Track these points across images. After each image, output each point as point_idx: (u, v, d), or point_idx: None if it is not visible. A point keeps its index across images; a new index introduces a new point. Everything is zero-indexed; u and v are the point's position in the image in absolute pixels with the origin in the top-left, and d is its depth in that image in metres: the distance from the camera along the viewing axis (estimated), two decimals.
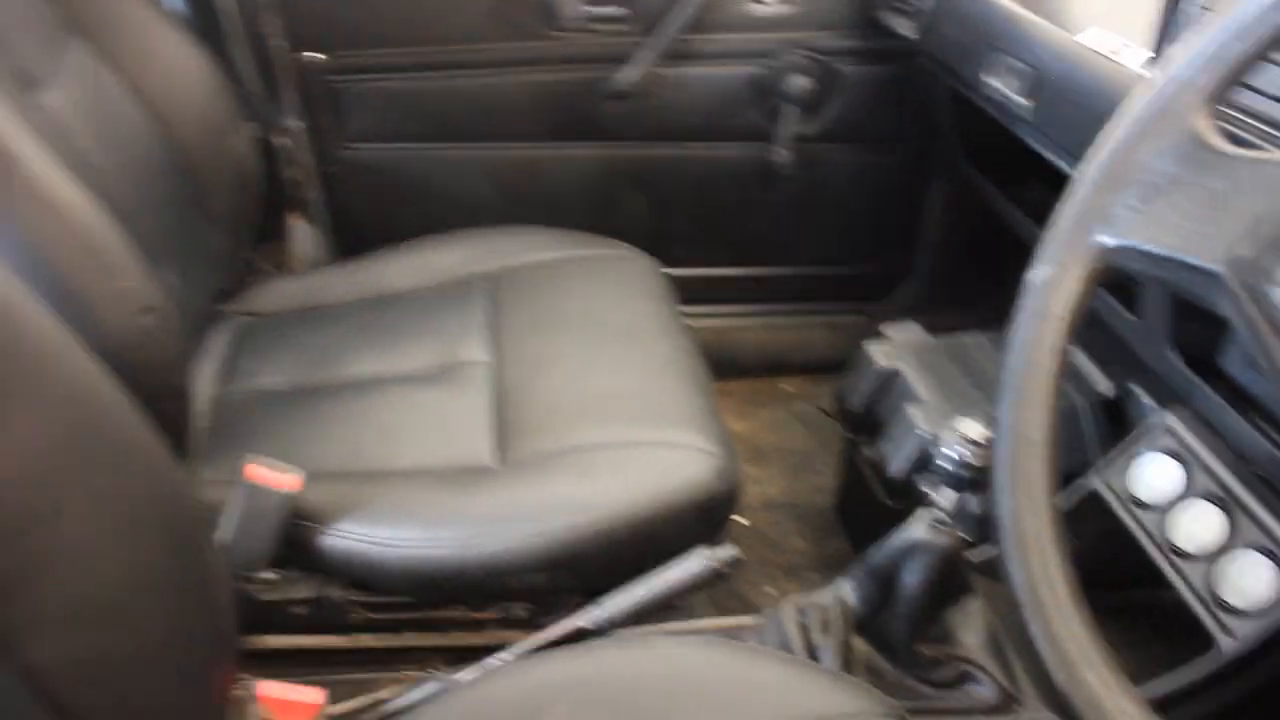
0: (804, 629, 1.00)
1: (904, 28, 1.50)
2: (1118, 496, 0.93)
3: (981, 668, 1.01)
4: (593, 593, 1.00)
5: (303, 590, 1.10)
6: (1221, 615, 0.79)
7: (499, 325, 1.34)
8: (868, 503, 1.34)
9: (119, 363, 0.71)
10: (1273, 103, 0.84)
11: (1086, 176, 0.64)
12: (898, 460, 1.26)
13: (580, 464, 1.10)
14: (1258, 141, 0.83)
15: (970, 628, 1.02)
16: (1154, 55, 1.01)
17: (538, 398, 1.20)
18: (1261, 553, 0.79)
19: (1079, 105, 1.07)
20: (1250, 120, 0.85)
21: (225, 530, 1.00)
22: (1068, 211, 0.64)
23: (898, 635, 0.99)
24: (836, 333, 1.85)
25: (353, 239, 1.75)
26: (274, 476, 1.03)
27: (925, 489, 0.95)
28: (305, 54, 1.61)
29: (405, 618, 1.13)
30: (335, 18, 1.60)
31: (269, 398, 1.28)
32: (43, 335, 0.64)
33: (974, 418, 0.89)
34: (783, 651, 0.96)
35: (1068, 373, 1.15)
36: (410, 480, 1.11)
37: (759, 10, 1.61)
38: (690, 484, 1.07)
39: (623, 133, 1.71)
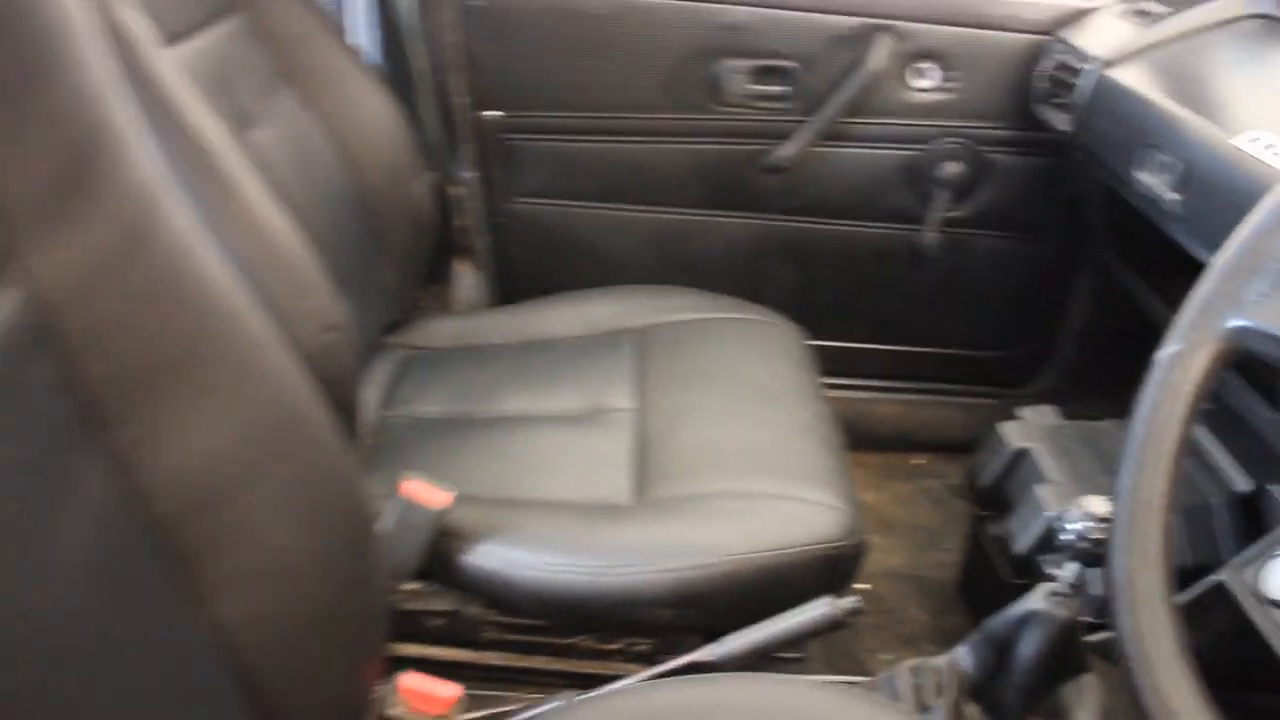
0: (917, 689, 1.02)
1: (1059, 121, 1.54)
2: (1249, 594, 0.93)
3: None
4: (715, 634, 1.04)
5: (441, 603, 1.16)
6: None
7: (644, 376, 1.40)
8: (991, 579, 1.35)
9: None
10: None
11: (1220, 262, 0.67)
12: (1023, 538, 1.27)
13: (712, 509, 1.15)
14: None
15: (1084, 706, 1.02)
16: None
17: (676, 445, 1.26)
18: None
19: (1227, 202, 1.08)
20: None
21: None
22: (1199, 294, 0.68)
23: (1010, 704, 1.00)
24: (972, 414, 1.87)
25: (512, 286, 1.86)
26: (427, 493, 1.10)
27: (1049, 566, 0.97)
28: (485, 112, 1.73)
29: (534, 640, 1.18)
30: (515, 81, 1.71)
31: (424, 424, 1.37)
32: (253, 334, 0.72)
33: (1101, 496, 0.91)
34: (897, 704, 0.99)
35: (1203, 467, 1.16)
36: (551, 510, 1.17)
37: (917, 97, 1.66)
38: (816, 537, 1.11)
39: (776, 205, 1.77)
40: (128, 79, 0.64)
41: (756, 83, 1.68)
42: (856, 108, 1.66)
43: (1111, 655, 1.01)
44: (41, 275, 0.56)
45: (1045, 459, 1.31)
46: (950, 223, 1.73)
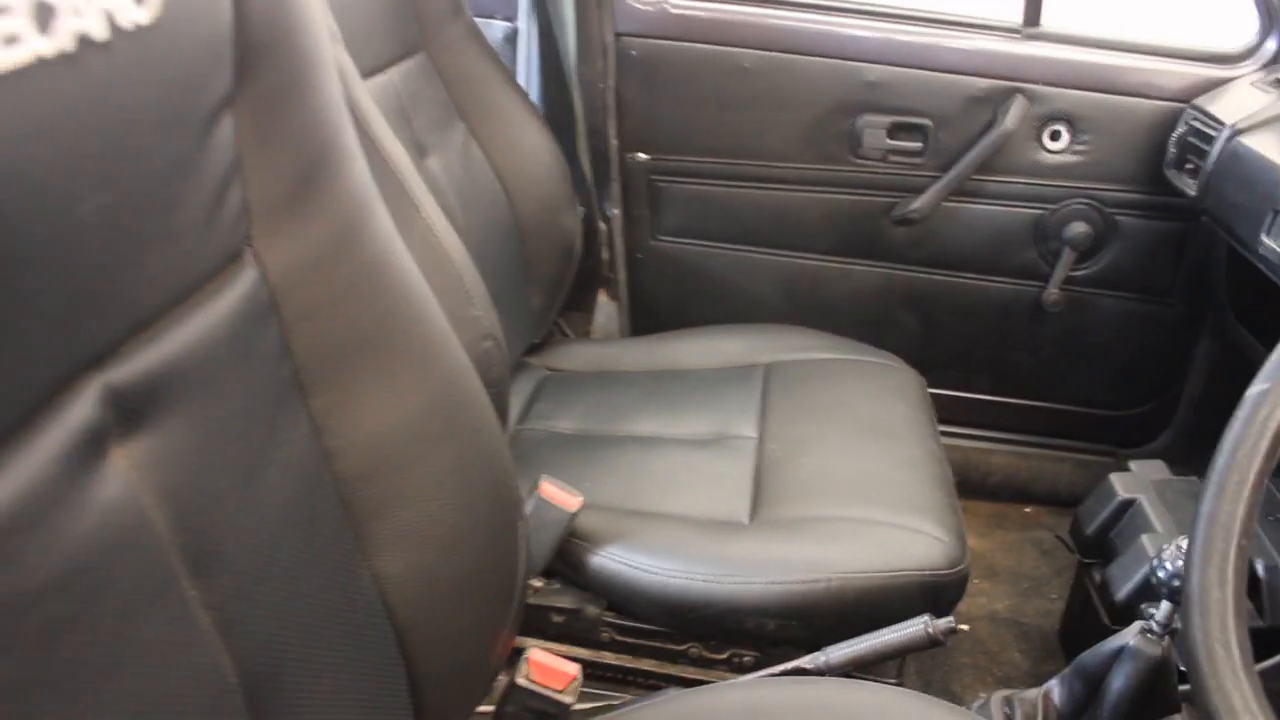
0: (1008, 719, 1.07)
1: (1188, 186, 1.57)
2: None
3: None
4: (814, 649, 1.11)
5: (565, 601, 1.25)
6: None
7: (767, 408, 1.48)
8: (1092, 626, 1.38)
9: None
10: None
11: None
12: (1125, 585, 1.30)
13: (821, 531, 1.22)
14: None
15: None
16: None
17: (793, 472, 1.33)
18: None
19: None
20: None
21: None
22: None
23: None
24: (1085, 470, 1.89)
25: (647, 318, 1.97)
26: (561, 495, 1.20)
27: (1148, 611, 1.01)
28: (633, 154, 1.85)
29: (647, 644, 1.26)
30: (663, 126, 1.83)
31: (559, 439, 1.48)
32: (434, 327, 0.83)
33: None
34: None
35: None
36: (672, 523, 1.25)
37: (1048, 158, 1.72)
38: (919, 564, 1.17)
39: (904, 256, 1.84)
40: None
41: (893, 138, 1.75)
42: (988, 165, 1.72)
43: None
44: (269, 261, 0.68)
45: (1151, 510, 1.34)
46: (1074, 281, 1.76)
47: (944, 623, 1.04)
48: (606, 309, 1.94)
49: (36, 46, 0.45)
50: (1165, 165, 1.66)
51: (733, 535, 1.23)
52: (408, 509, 0.79)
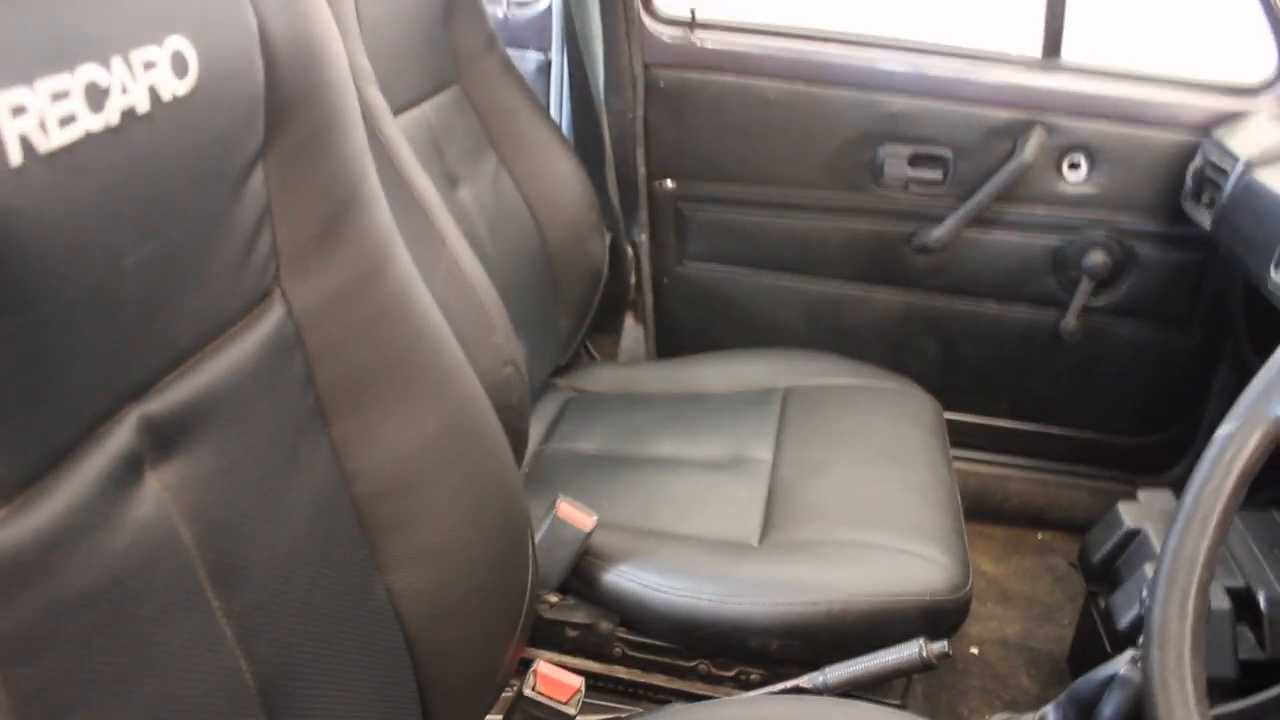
0: None
1: (1204, 218, 1.59)
2: None
3: None
4: (816, 668, 1.15)
5: (578, 616, 1.29)
6: None
7: (783, 431, 1.52)
8: (1098, 654, 1.40)
9: None
10: None
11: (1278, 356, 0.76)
12: (1128, 614, 1.33)
13: (827, 554, 1.26)
14: None
15: None
16: None
17: (803, 496, 1.37)
18: None
19: None
20: None
21: None
22: (1257, 383, 0.77)
23: None
24: (1102, 497, 1.90)
25: (673, 341, 2.02)
26: (577, 515, 1.25)
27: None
28: (660, 181, 1.90)
29: (657, 659, 1.31)
30: (689, 154, 1.88)
31: (580, 459, 1.53)
32: (449, 359, 0.89)
33: None
34: None
35: None
36: (684, 543, 1.30)
37: (1067, 188, 1.74)
38: (920, 588, 1.20)
39: (924, 283, 1.88)
40: (371, 146, 0.82)
41: (914, 167, 1.79)
42: (1007, 195, 1.75)
43: None
44: (295, 298, 0.74)
45: (1156, 540, 1.37)
46: (1092, 310, 1.79)
47: (938, 646, 1.08)
48: (633, 332, 2.00)
49: (87, 124, 0.51)
50: (1182, 197, 1.68)
51: (741, 557, 1.27)
52: (421, 528, 0.84)
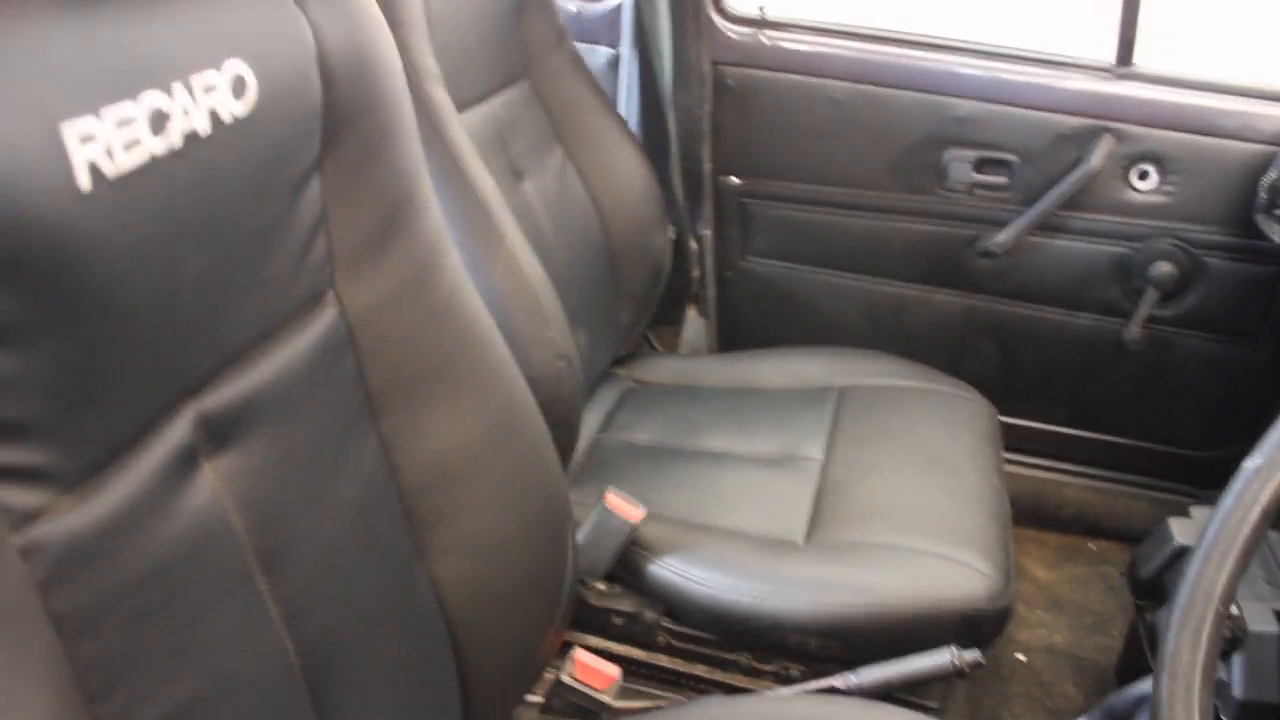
0: None
1: (1275, 232, 1.56)
2: None
3: None
4: (853, 666, 1.18)
5: (624, 604, 1.34)
6: None
7: (836, 431, 1.54)
8: (1144, 668, 1.40)
9: (535, 392, 0.98)
10: None
11: None
12: None
13: (869, 557, 1.28)
14: None
15: None
16: None
17: (851, 496, 1.39)
18: None
19: None
20: None
21: (580, 538, 1.27)
22: None
23: None
24: (1160, 508, 1.87)
25: (733, 335, 2.04)
26: (625, 506, 1.29)
27: None
28: (725, 178, 1.92)
29: (699, 650, 1.34)
30: (755, 152, 1.89)
31: (634, 449, 1.56)
32: (496, 358, 0.92)
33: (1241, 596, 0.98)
34: None
35: None
36: (730, 538, 1.33)
37: (1135, 197, 1.72)
38: (959, 596, 1.22)
39: (986, 287, 1.87)
40: (429, 144, 0.85)
41: (979, 172, 1.79)
42: (1073, 202, 1.74)
43: None
44: (348, 300, 0.77)
45: None
46: (1157, 320, 1.77)
47: (970, 654, 1.09)
48: (695, 325, 2.02)
49: (151, 148, 0.55)
50: (1255, 210, 1.65)
51: (785, 554, 1.30)
52: (465, 520, 0.88)
